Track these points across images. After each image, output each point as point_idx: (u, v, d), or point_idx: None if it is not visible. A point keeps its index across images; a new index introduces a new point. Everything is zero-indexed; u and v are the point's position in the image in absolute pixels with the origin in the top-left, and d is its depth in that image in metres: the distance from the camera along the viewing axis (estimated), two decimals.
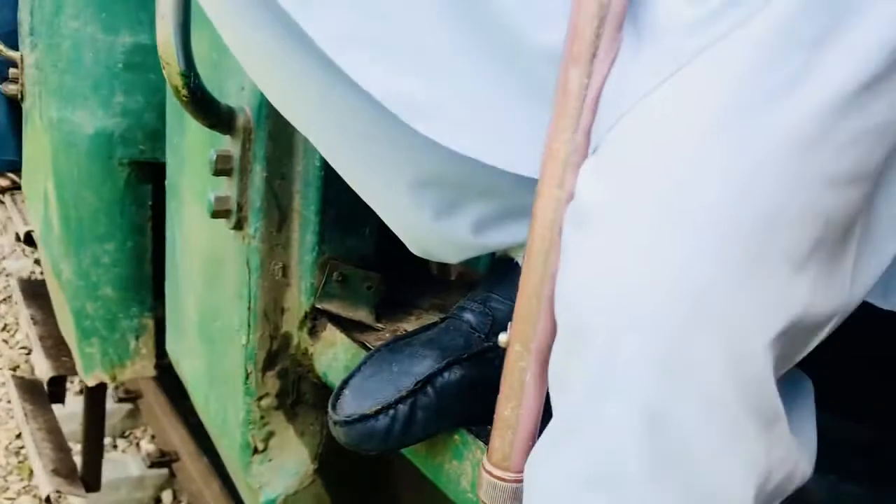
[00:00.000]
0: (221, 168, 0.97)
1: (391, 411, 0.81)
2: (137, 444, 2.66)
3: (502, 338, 0.66)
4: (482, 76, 0.66)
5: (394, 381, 0.83)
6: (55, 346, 2.14)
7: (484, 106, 0.67)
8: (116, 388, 2.59)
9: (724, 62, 0.50)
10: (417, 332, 0.86)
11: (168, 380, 2.10)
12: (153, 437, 2.61)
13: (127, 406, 2.67)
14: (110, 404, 2.38)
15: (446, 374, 0.81)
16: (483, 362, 0.83)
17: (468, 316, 0.83)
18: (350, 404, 0.84)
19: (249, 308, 1.01)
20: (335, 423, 0.86)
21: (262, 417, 1.03)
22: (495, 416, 0.65)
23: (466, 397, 0.82)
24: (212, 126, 0.95)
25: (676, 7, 0.54)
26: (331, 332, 0.99)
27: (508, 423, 0.64)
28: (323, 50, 0.66)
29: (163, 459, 2.27)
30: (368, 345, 0.96)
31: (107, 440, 2.52)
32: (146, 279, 1.76)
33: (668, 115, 0.50)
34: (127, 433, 2.69)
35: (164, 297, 1.50)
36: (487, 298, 0.86)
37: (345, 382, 0.87)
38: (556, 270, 0.57)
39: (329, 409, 0.87)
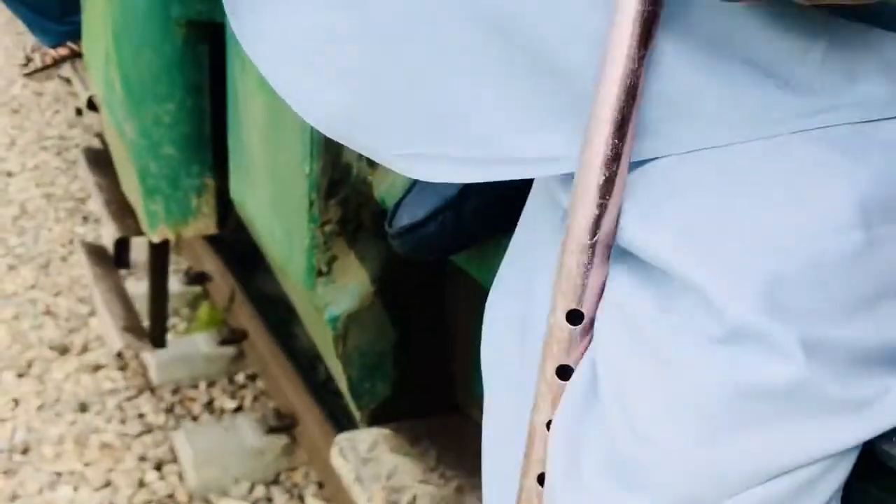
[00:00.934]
0: None
1: (439, 217, 0.88)
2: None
3: None
4: None
5: (440, 192, 0.89)
6: (119, 210, 2.23)
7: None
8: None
9: None
10: None
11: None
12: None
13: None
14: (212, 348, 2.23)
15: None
16: None
17: None
18: (403, 217, 0.91)
19: (312, 139, 1.07)
20: (392, 236, 0.93)
21: (325, 242, 1.10)
22: None
23: (510, 199, 0.88)
24: None
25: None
26: None
27: None
28: None
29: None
30: None
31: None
32: (206, 139, 1.82)
33: None
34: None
35: (223, 159, 1.56)
36: None
37: (399, 201, 0.93)
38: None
39: (386, 226, 0.94)
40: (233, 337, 2.22)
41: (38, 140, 3.41)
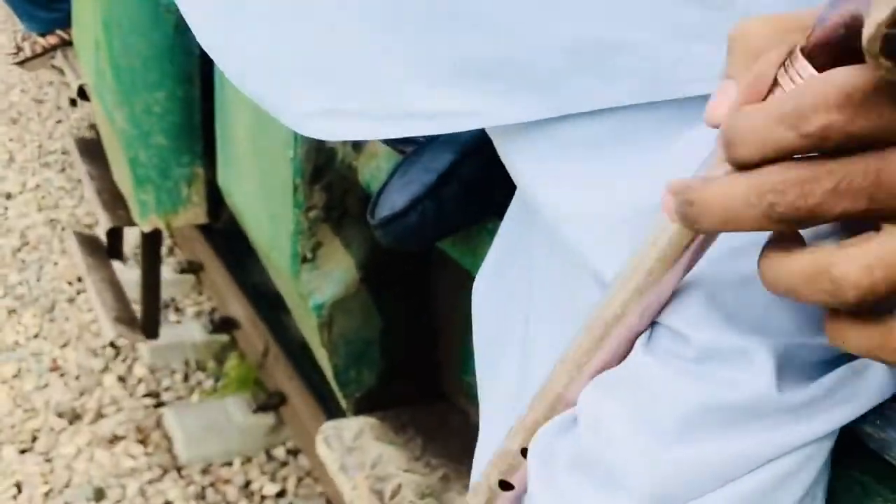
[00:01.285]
0: None
1: (419, 206, 0.87)
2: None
3: None
4: None
5: (419, 179, 0.88)
6: (111, 199, 2.22)
7: None
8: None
9: None
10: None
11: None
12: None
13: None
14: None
15: (466, 165, 0.86)
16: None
17: None
18: (384, 208, 0.90)
19: None
20: (374, 227, 0.92)
21: (309, 228, 1.08)
22: None
23: (490, 185, 0.87)
24: None
25: None
26: (374, 144, 1.04)
27: None
28: None
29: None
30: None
31: None
32: (196, 128, 1.82)
33: None
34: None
35: (214, 148, 1.55)
36: None
37: (380, 189, 0.92)
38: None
39: (368, 216, 0.92)
40: (269, 402, 1.89)
41: (40, 155, 3.13)
